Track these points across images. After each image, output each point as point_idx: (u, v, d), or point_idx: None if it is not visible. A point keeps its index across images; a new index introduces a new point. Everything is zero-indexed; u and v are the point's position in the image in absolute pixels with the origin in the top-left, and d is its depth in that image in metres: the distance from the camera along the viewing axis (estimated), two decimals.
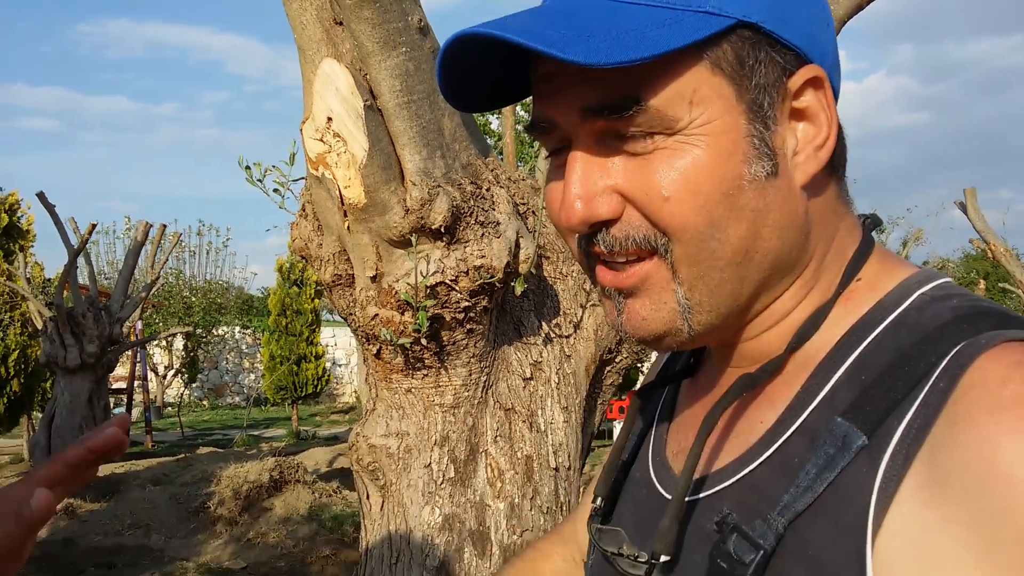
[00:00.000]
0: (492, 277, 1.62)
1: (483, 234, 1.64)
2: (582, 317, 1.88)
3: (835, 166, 0.65)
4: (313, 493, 8.21)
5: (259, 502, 8.10)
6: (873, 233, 0.70)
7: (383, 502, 1.76)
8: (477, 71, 0.64)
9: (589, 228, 0.63)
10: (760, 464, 0.62)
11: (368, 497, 1.81)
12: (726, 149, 0.59)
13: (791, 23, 0.60)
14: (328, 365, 17.19)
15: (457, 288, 1.62)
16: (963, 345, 0.55)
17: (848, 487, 0.54)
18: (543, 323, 1.85)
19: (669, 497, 0.69)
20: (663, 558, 0.63)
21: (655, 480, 0.73)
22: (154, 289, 13.04)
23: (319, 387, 16.22)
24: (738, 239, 0.60)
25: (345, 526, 7.51)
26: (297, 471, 8.40)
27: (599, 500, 0.77)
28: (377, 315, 1.65)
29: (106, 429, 0.73)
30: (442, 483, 1.69)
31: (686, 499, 0.64)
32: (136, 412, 16.71)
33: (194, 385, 21.52)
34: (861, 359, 0.60)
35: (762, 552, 0.56)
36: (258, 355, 20.94)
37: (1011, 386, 0.50)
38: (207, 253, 22.83)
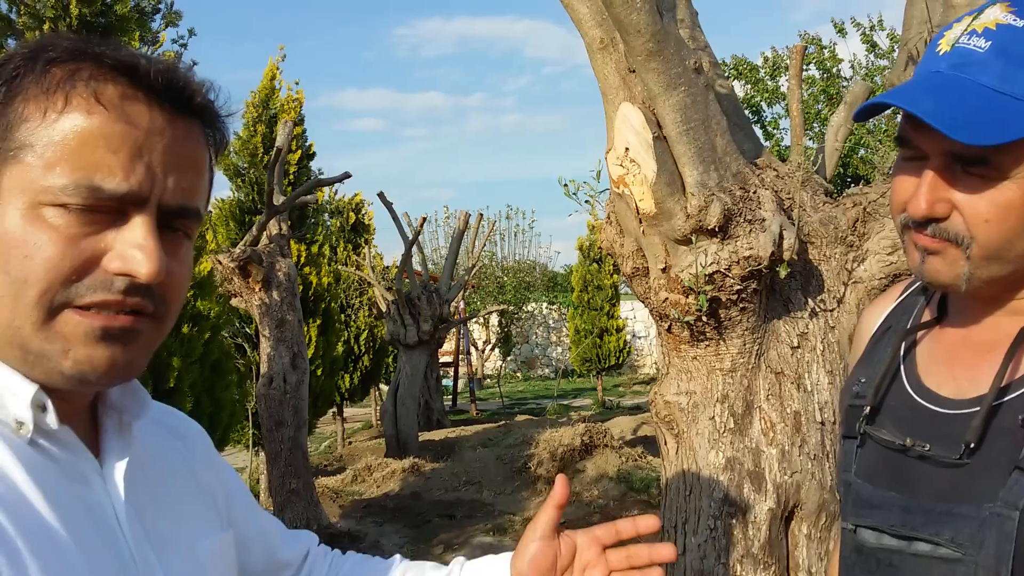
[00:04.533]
0: (759, 265, 2.01)
1: (750, 230, 2.03)
2: (844, 293, 2.19)
3: None
4: (620, 457, 8.84)
5: (572, 464, 8.89)
6: None
7: (677, 447, 2.22)
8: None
9: (925, 220, 0.92)
10: None
11: (666, 443, 2.27)
12: None
13: None
14: (628, 338, 17.87)
15: (730, 275, 2.02)
16: None
17: None
18: (809, 299, 2.19)
19: (936, 409, 0.97)
20: (971, 444, 0.90)
21: (917, 398, 1.00)
22: (474, 271, 14.48)
23: (621, 359, 16.96)
24: (1021, 249, 0.91)
25: (651, 488, 8.03)
26: (604, 436, 9.08)
27: (866, 408, 1.03)
28: (667, 298, 2.10)
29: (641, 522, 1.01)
30: (724, 432, 2.11)
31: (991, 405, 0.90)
32: (461, 383, 18.60)
33: (509, 358, 23.36)
34: None
35: None
36: (564, 329, 22.24)
37: None
38: (515, 235, 24.48)
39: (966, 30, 0.91)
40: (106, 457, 0.80)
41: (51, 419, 0.74)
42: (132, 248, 0.72)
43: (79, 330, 0.72)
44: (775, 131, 12.60)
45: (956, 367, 0.99)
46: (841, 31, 12.13)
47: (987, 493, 0.89)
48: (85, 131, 0.71)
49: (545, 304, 23.79)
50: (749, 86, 12.57)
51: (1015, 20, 0.89)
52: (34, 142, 0.71)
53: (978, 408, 0.92)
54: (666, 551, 1.02)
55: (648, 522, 1.02)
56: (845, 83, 12.05)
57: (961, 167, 0.90)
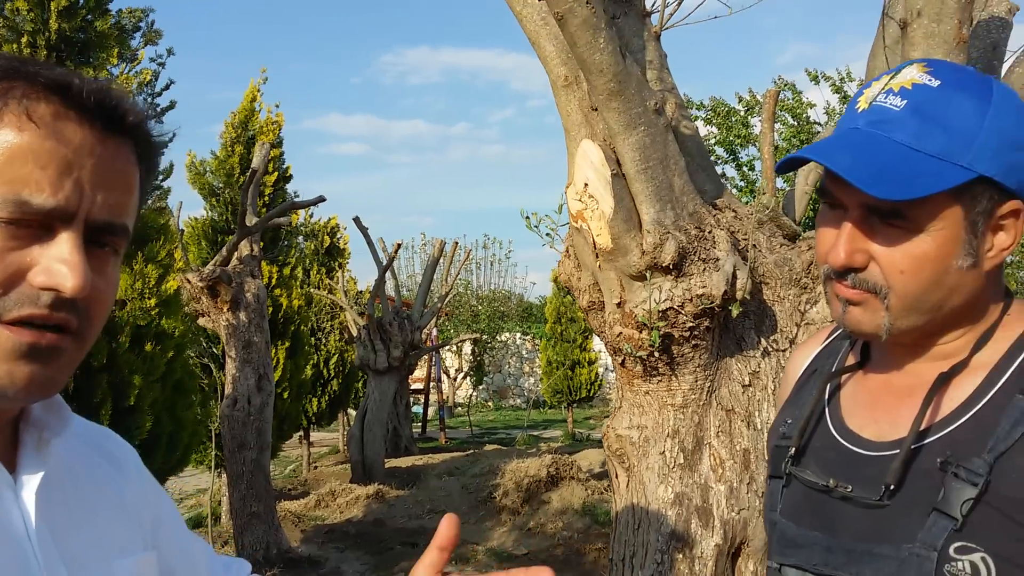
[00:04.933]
0: (712, 303, 2.04)
1: (704, 268, 2.06)
2: (797, 333, 2.23)
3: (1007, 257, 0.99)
4: (586, 490, 8.83)
5: (538, 495, 8.86)
6: None
7: (628, 480, 2.23)
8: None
9: (844, 270, 0.95)
10: (960, 426, 0.92)
11: (617, 476, 2.29)
12: (947, 249, 0.91)
13: (1012, 175, 0.92)
14: (600, 371, 17.90)
15: (683, 312, 2.06)
16: None
17: None
18: (761, 339, 2.23)
19: (858, 451, 0.99)
20: (891, 486, 0.92)
21: (841, 440, 1.02)
22: (447, 299, 14.48)
23: (592, 391, 16.98)
24: (936, 299, 0.94)
25: None
26: (571, 468, 9.07)
27: (791, 449, 1.05)
28: (621, 333, 2.13)
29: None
30: (673, 467, 2.14)
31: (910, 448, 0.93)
32: (431, 411, 18.49)
33: (480, 387, 23.28)
34: None
35: (983, 477, 0.88)
36: (537, 360, 22.23)
37: None
38: (491, 265, 24.53)
39: (883, 88, 0.94)
40: (21, 473, 0.80)
41: None
42: (58, 263, 0.73)
43: (7, 345, 0.72)
44: (750, 172, 12.78)
45: (878, 410, 1.02)
46: (815, 79, 12.38)
47: (906, 534, 0.91)
48: (15, 147, 0.72)
49: (519, 334, 23.79)
50: (724, 129, 12.72)
51: (930, 80, 0.92)
52: None
53: (898, 451, 0.95)
54: (544, 573, 0.96)
55: (542, 573, 0.94)
56: (819, 128, 12.26)
57: (878, 219, 0.93)
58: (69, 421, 0.87)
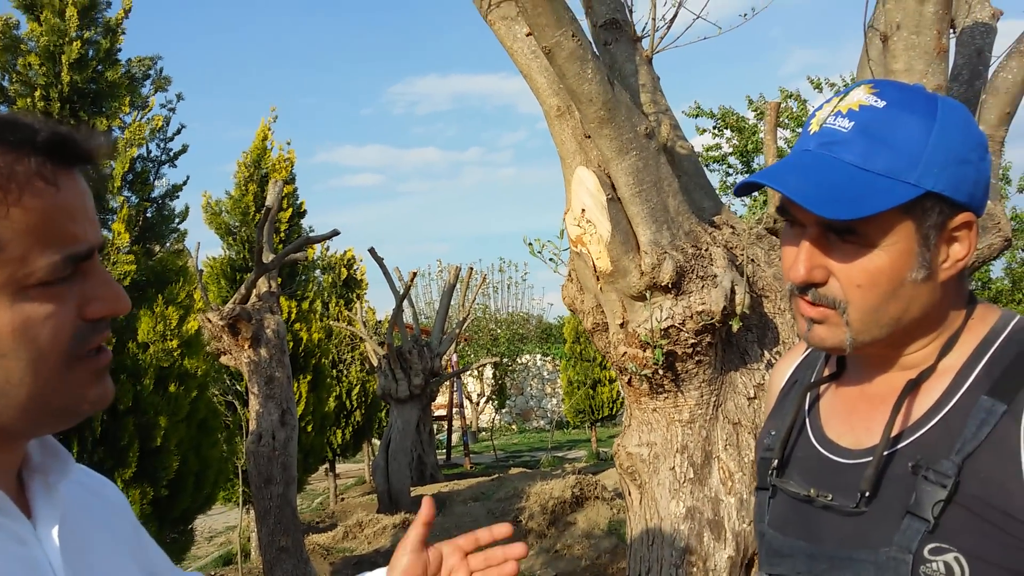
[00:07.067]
0: (712, 319, 2.09)
1: (703, 286, 2.12)
2: None
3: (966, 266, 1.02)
4: (612, 509, 8.81)
5: (563, 517, 8.85)
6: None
7: (640, 497, 2.27)
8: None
9: (805, 285, 0.99)
10: (929, 430, 0.95)
11: (630, 493, 2.33)
12: (901, 262, 0.95)
13: (960, 188, 0.95)
14: (621, 388, 17.84)
15: (684, 329, 2.10)
16: None
17: (1000, 435, 0.91)
18: (765, 351, 2.27)
19: (837, 459, 1.03)
20: (867, 493, 0.96)
21: (821, 449, 1.06)
22: (465, 325, 14.53)
23: (615, 409, 16.94)
24: (894, 311, 0.97)
25: None
26: (596, 488, 9.05)
27: (774, 461, 1.09)
28: (625, 352, 2.18)
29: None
30: (684, 482, 2.17)
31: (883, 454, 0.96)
32: (455, 436, 18.50)
33: (503, 411, 23.27)
34: (991, 360, 0.97)
35: (952, 478, 0.91)
36: (558, 380, 22.21)
37: None
38: (508, 288, 24.56)
39: (833, 111, 0.98)
40: (38, 517, 0.86)
41: None
42: (103, 290, 0.82)
43: (92, 371, 0.82)
44: None
45: (854, 418, 1.06)
46: (818, 86, 12.43)
47: (883, 538, 0.94)
48: (45, 213, 0.78)
49: (539, 356, 23.79)
50: (736, 136, 12.73)
51: (876, 101, 0.96)
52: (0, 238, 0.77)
53: (871, 458, 0.98)
54: (518, 549, 1.12)
55: (502, 529, 1.13)
56: None
57: (835, 235, 0.96)
58: (70, 463, 0.93)
